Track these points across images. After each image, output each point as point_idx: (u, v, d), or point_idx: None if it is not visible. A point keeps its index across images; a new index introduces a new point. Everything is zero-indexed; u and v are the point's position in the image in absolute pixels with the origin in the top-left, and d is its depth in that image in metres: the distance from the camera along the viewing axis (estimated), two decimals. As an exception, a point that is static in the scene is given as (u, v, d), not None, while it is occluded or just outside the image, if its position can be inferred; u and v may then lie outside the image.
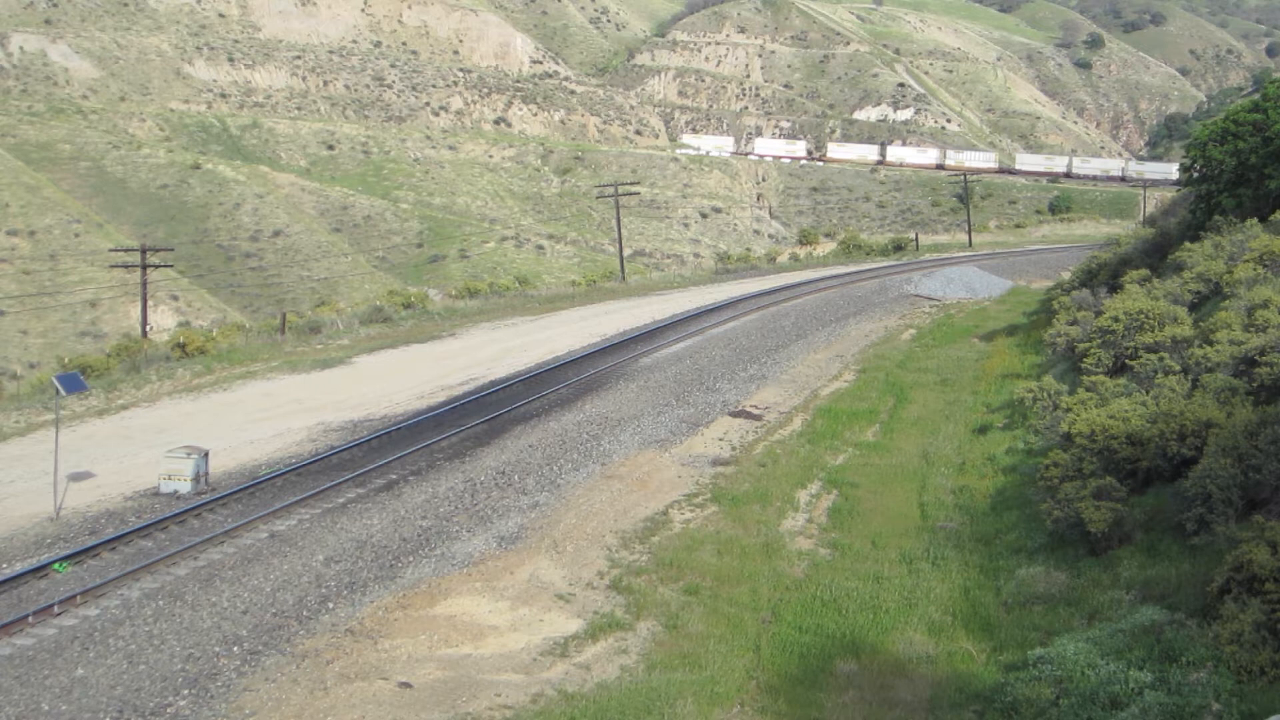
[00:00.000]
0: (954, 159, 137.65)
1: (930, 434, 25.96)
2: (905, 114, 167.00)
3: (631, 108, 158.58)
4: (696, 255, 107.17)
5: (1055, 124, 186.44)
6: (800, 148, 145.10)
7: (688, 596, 16.54)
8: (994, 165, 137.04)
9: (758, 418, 27.90)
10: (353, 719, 12.79)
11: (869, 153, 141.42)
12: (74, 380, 22.59)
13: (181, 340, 37.81)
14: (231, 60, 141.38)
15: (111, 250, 72.01)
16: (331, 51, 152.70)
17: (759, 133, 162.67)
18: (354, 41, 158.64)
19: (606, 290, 60.59)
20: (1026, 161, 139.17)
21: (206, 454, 22.01)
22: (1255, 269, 25.54)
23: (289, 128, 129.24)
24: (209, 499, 20.46)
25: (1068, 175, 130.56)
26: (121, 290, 74.86)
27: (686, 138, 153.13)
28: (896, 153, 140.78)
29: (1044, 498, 17.85)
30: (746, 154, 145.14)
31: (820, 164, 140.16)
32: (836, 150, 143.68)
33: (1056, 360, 29.83)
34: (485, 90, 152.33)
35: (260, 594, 16.25)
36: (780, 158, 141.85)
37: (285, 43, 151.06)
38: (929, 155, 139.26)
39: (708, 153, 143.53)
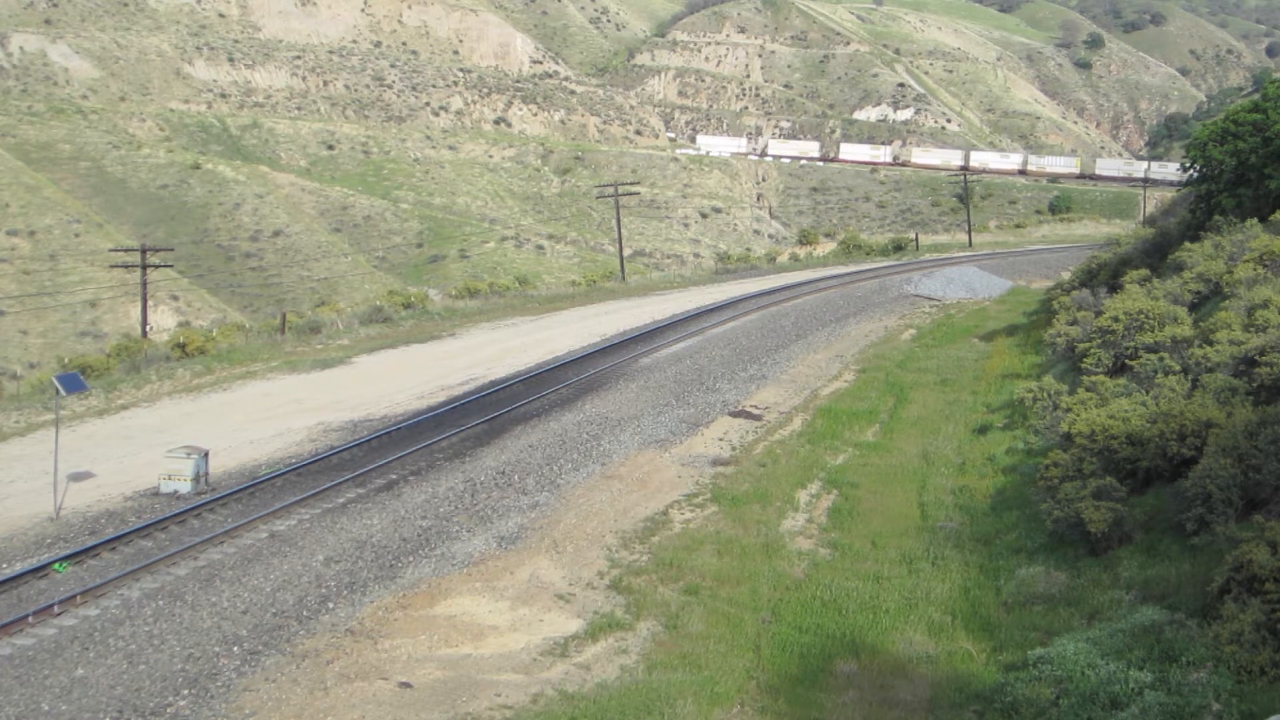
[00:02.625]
0: (1036, 164, 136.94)
1: (930, 434, 25.96)
2: (905, 114, 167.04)
3: (631, 108, 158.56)
4: (696, 255, 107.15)
5: (1055, 124, 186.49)
6: (886, 153, 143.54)
7: (687, 596, 16.54)
8: (1075, 171, 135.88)
9: (758, 418, 27.89)
10: (353, 719, 12.79)
11: (953, 157, 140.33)
12: (74, 380, 22.59)
13: (181, 340, 37.81)
14: (231, 60, 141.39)
15: (111, 250, 72.01)
16: (331, 51, 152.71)
17: (759, 132, 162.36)
18: (354, 41, 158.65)
19: (606, 290, 60.60)
20: (1107, 167, 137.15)
21: (206, 454, 22.01)
22: (1255, 269, 25.55)
23: (289, 128, 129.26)
24: (209, 499, 20.45)
25: (1146, 181, 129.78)
26: (121, 290, 74.85)
27: (774, 144, 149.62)
28: (980, 157, 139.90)
29: (1044, 498, 17.86)
30: (833, 159, 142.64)
31: (906, 169, 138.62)
32: (921, 155, 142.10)
33: (1056, 360, 29.83)
34: (485, 90, 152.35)
35: (260, 594, 16.24)
36: (870, 163, 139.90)
37: (285, 43, 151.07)
38: (1012, 160, 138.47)
39: (796, 159, 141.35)
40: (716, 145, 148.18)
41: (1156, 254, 37.33)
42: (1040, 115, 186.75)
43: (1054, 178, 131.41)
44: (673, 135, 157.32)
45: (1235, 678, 11.11)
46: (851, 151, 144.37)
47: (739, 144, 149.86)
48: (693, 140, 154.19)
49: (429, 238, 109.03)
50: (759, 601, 16.41)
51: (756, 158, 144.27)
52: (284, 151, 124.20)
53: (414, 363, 36.35)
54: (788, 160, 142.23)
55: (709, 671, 14.00)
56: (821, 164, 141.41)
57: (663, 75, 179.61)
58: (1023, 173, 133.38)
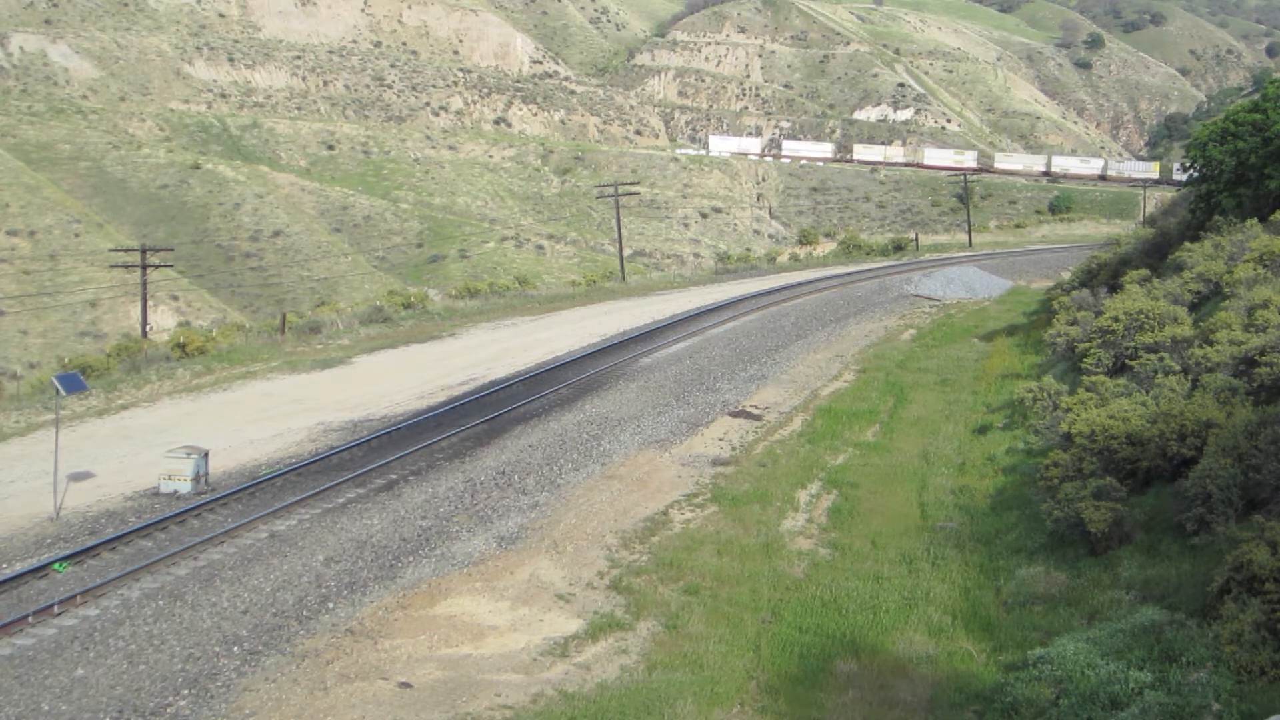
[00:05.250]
0: (1115, 170, 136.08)
1: (930, 434, 25.96)
2: (905, 114, 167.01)
3: (631, 108, 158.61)
4: (696, 255, 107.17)
5: (1055, 124, 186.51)
6: (970, 158, 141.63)
7: (688, 596, 16.54)
8: (1154, 175, 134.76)
9: (758, 418, 27.89)
10: (353, 719, 12.79)
11: (1036, 163, 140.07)
12: (74, 380, 22.59)
13: (181, 340, 37.82)
14: (231, 60, 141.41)
15: (111, 250, 72.01)
16: (331, 51, 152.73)
17: (758, 132, 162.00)
18: (354, 41, 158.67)
19: (606, 290, 60.60)
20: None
21: (206, 454, 22.01)
22: (1255, 269, 25.55)
23: (289, 128, 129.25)
24: (209, 499, 20.45)
25: None
26: (121, 290, 74.88)
27: (858, 149, 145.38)
28: (1061, 162, 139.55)
29: (1044, 498, 17.85)
30: (918, 165, 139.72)
31: (988, 175, 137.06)
32: (1004, 161, 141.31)
33: (1056, 360, 29.83)
34: (485, 90, 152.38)
35: (260, 594, 16.24)
36: (953, 169, 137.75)
37: (285, 43, 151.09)
38: (1093, 166, 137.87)
39: (879, 164, 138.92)
40: (802, 150, 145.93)
41: (1156, 254, 37.31)
42: (1040, 115, 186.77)
43: (1133, 182, 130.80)
44: (762, 142, 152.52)
45: (1235, 678, 11.11)
46: (935, 156, 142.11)
47: (824, 149, 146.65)
48: (779, 147, 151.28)
49: (429, 238, 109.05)
50: (759, 601, 16.41)
51: (850, 164, 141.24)
52: (284, 151, 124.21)
53: (414, 363, 36.36)
54: (874, 165, 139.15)
55: (709, 671, 14.00)
56: (902, 166, 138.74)
57: (663, 75, 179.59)
58: (1103, 178, 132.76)
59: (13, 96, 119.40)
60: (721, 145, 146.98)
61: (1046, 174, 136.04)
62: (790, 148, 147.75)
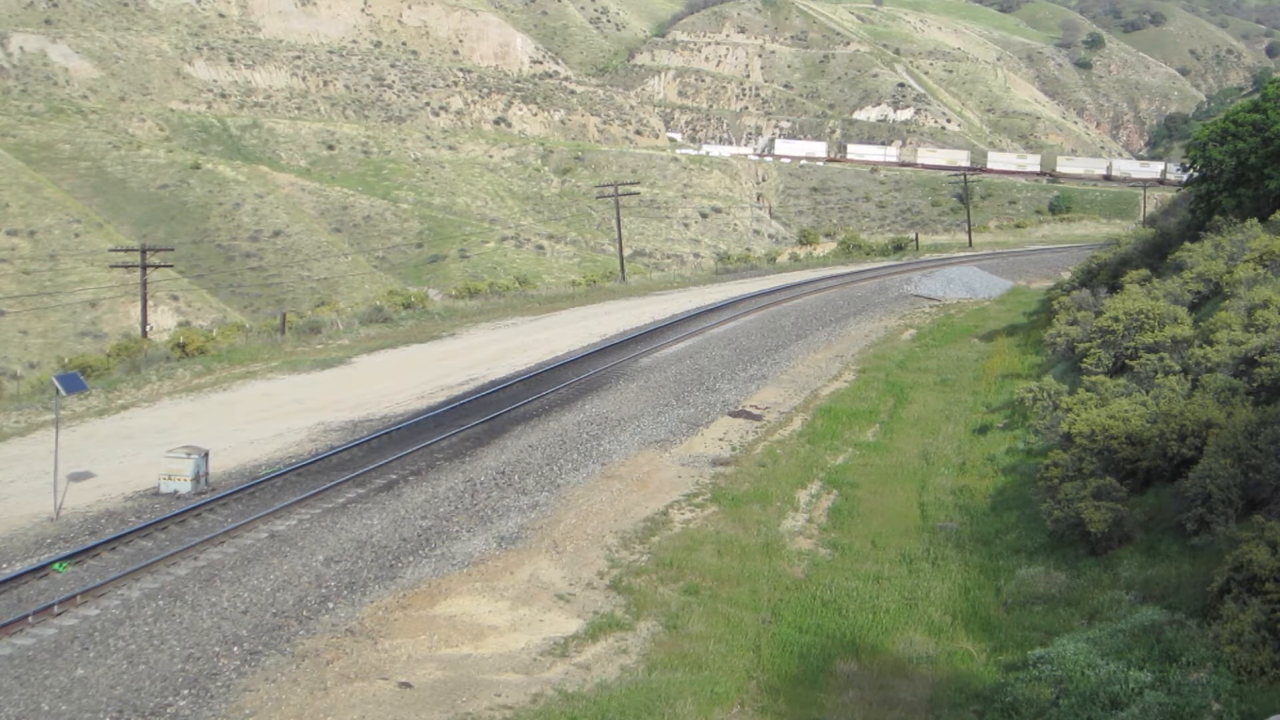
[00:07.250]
0: (1175, 174, 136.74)
1: (930, 434, 25.96)
2: (905, 114, 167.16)
3: (631, 108, 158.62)
4: (696, 255, 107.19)
5: (1055, 124, 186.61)
6: (1033, 162, 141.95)
7: (688, 596, 16.53)
8: None
9: (758, 418, 27.89)
10: (353, 719, 12.79)
11: (1096, 167, 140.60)
12: (74, 380, 22.58)
13: (181, 340, 37.83)
14: (231, 60, 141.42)
15: (111, 250, 71.99)
16: (331, 51, 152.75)
17: (758, 132, 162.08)
18: (354, 41, 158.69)
19: (606, 290, 60.60)
20: None
21: (206, 454, 22.01)
22: (1255, 269, 25.55)
23: (289, 128, 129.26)
24: (209, 499, 20.45)
25: None
26: (121, 290, 74.89)
27: (923, 153, 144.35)
28: (1121, 166, 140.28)
29: (1044, 498, 17.86)
30: (983, 170, 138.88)
31: (1051, 180, 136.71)
32: (1066, 164, 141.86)
33: (1056, 360, 29.83)
34: (485, 90, 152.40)
35: (260, 594, 16.24)
36: (1018, 173, 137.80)
37: (285, 43, 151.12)
38: (1152, 169, 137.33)
39: (945, 168, 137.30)
40: (867, 155, 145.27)
41: (1156, 254, 37.29)
42: (1040, 115, 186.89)
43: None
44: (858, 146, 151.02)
45: (1235, 678, 11.11)
46: (999, 160, 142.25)
47: (890, 153, 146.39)
48: (844, 149, 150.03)
49: (429, 238, 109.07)
50: (759, 601, 16.41)
51: (912, 168, 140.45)
52: (284, 151, 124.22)
53: (414, 363, 36.36)
54: (941, 169, 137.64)
55: (709, 671, 14.00)
56: (974, 174, 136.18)
57: (663, 75, 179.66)
58: (1161, 181, 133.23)
59: (13, 96, 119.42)
60: (788, 149, 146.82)
61: (1107, 178, 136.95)
62: (855, 151, 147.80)
